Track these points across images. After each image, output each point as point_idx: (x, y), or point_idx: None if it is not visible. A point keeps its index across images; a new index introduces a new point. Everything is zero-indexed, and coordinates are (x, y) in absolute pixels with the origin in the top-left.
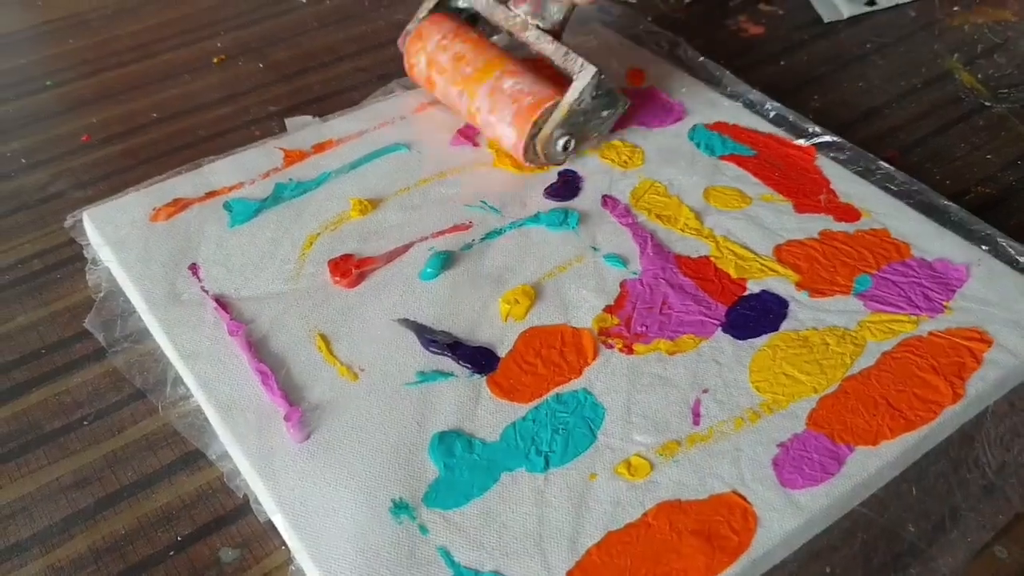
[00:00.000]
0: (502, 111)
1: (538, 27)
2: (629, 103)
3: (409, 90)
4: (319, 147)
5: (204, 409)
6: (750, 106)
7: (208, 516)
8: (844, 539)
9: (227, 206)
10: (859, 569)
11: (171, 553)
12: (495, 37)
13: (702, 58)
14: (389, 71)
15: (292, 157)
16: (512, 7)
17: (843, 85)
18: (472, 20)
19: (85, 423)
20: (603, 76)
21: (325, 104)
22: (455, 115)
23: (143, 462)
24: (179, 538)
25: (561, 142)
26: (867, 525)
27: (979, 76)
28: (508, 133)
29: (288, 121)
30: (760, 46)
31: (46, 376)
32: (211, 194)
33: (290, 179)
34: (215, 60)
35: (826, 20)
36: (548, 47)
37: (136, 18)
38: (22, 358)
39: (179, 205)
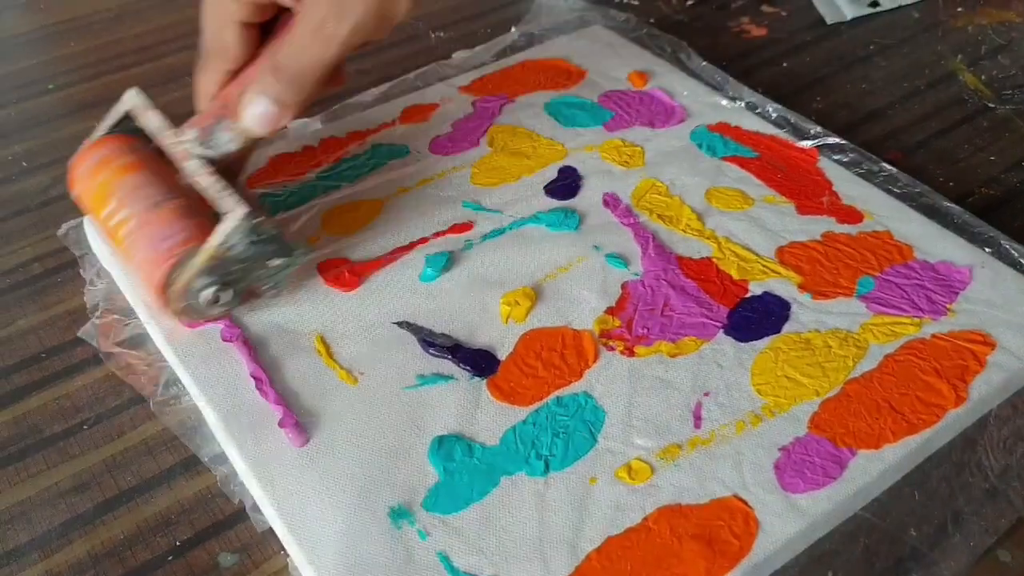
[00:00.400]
0: (138, 252)
1: (201, 157)
2: (308, 254)
3: (409, 93)
4: (319, 149)
5: (203, 413)
6: (752, 108)
7: (207, 521)
8: (846, 544)
9: None
10: (861, 574)
11: (170, 558)
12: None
13: (704, 63)
14: (391, 74)
15: (288, 162)
16: (180, 132)
17: (846, 87)
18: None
19: (85, 427)
20: (259, 220)
21: (326, 107)
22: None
23: (142, 467)
24: (178, 543)
25: (206, 293)
26: (869, 529)
27: (983, 77)
28: (141, 280)
29: (290, 127)
30: (763, 48)
31: (46, 380)
32: None
33: (285, 184)
34: None
35: (829, 22)
36: (204, 180)
37: (139, 21)
38: (22, 362)
39: None
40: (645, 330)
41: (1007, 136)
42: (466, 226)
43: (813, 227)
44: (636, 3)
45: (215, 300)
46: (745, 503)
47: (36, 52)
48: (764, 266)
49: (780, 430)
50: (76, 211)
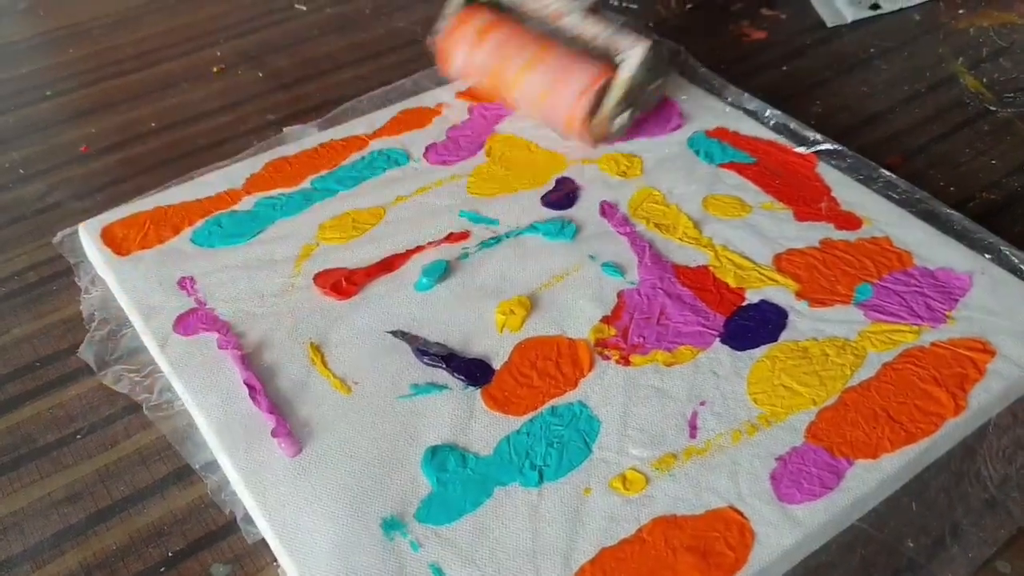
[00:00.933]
0: (557, 93)
1: (578, 9)
2: (672, 72)
3: (406, 99)
4: (316, 154)
5: (196, 422)
6: (751, 114)
7: (200, 531)
8: (843, 555)
9: (218, 221)
10: None
11: (162, 569)
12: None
13: (703, 68)
14: (389, 79)
15: (285, 167)
16: None
17: (846, 90)
18: (501, 9)
19: (78, 437)
20: (654, 49)
21: (324, 112)
22: (502, 103)
23: (135, 476)
24: (170, 554)
25: (622, 117)
26: (866, 540)
27: (984, 80)
28: (564, 112)
29: (286, 130)
30: (763, 51)
31: (40, 389)
32: (203, 207)
33: (281, 193)
34: (215, 69)
35: (829, 24)
36: (591, 29)
37: (137, 27)
38: (16, 371)
39: (171, 219)
40: (641, 339)
41: (1008, 140)
42: (462, 235)
43: (811, 233)
44: (635, 6)
45: (623, 124)
46: (740, 514)
47: (35, 58)
48: (761, 274)
49: (777, 439)
50: (72, 219)
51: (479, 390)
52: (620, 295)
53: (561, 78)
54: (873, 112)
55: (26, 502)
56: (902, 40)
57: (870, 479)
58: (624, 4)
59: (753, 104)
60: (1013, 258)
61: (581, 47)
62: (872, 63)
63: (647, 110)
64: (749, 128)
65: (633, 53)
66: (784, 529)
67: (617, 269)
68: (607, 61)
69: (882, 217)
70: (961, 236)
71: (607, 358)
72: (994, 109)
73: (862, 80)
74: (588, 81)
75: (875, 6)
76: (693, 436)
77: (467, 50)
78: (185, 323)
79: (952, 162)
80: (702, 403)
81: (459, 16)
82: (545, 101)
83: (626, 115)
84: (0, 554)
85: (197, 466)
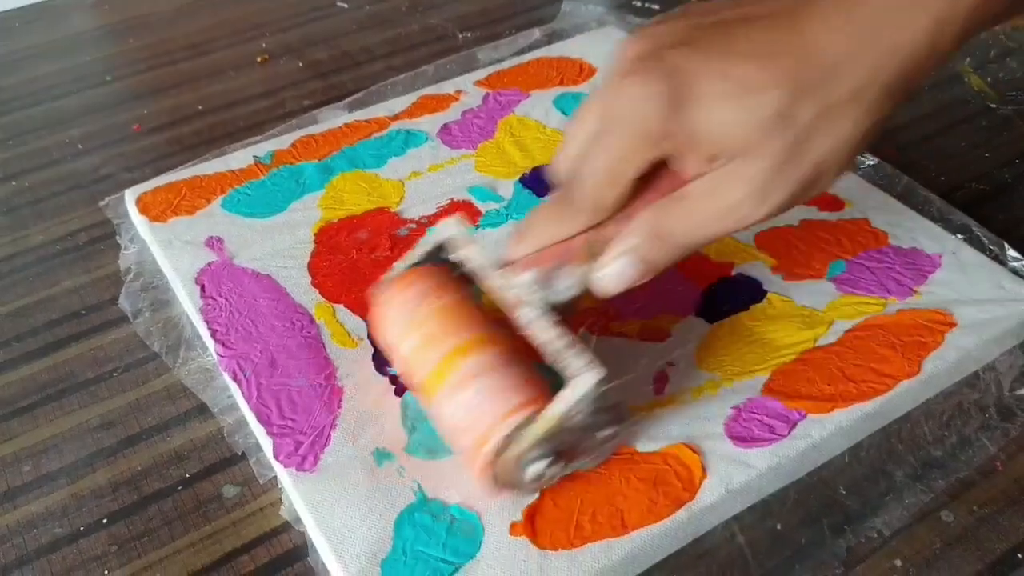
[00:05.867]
0: (463, 417)
1: (541, 303)
2: (636, 423)
3: (428, 86)
4: (338, 134)
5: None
6: None
7: (215, 458)
8: (791, 503)
9: (247, 189)
10: (805, 529)
11: (179, 488)
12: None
13: None
14: (420, 69)
15: (312, 144)
16: (508, 274)
17: None
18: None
19: (115, 374)
20: (608, 386)
21: (357, 99)
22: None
23: (162, 409)
24: (187, 475)
25: (536, 467)
26: (810, 488)
27: (988, 79)
28: (470, 436)
29: (318, 112)
30: None
31: (84, 333)
32: (236, 177)
33: (306, 164)
34: (259, 59)
35: None
36: (546, 332)
37: (191, 20)
38: (64, 317)
39: (205, 188)
40: (618, 309)
41: (1005, 135)
42: (469, 212)
43: (793, 213)
44: (656, 7)
45: (538, 476)
46: (694, 450)
47: (98, 47)
48: (741, 249)
49: (736, 393)
50: (121, 189)
51: None
52: None
53: (486, 387)
54: None
55: (66, 427)
56: None
57: (822, 430)
58: (646, 5)
59: None
60: (984, 239)
61: (527, 351)
62: None
63: (589, 466)
64: None
65: (577, 382)
66: (734, 469)
67: None
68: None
69: (863, 200)
70: (938, 219)
71: (585, 327)
72: (995, 107)
73: None
74: (512, 405)
75: None
76: (658, 392)
77: (399, 315)
78: (210, 275)
79: (945, 154)
80: (670, 364)
81: (410, 272)
82: (455, 412)
83: (545, 465)
84: (42, 468)
85: (216, 409)
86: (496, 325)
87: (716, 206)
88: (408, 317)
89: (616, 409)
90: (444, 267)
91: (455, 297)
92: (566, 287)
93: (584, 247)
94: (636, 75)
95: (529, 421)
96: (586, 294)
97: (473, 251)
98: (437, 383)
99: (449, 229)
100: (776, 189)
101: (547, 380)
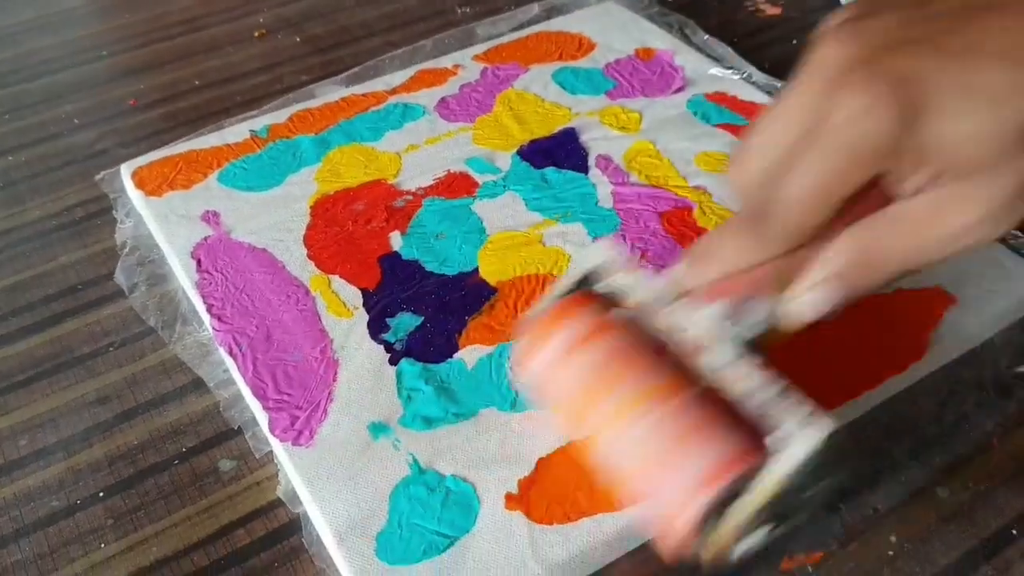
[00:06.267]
0: (663, 467)
1: (734, 340)
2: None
3: (426, 61)
4: (335, 108)
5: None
6: (748, 80)
7: (211, 432)
8: None
9: (243, 163)
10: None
11: (176, 462)
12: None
13: (707, 37)
14: (418, 44)
15: (308, 118)
16: (688, 306)
17: None
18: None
19: (111, 349)
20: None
21: (354, 74)
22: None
23: (159, 384)
24: (184, 449)
25: (755, 538)
26: None
27: None
28: (665, 501)
29: (316, 87)
30: (775, 26)
31: (80, 308)
32: (232, 151)
33: (302, 137)
34: (256, 34)
35: (844, 2)
36: (751, 377)
37: None
38: (60, 292)
39: (201, 162)
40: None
41: None
42: (467, 183)
43: None
44: None
45: (755, 543)
46: None
47: (93, 22)
48: None
49: None
50: (117, 163)
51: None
52: (606, 240)
53: (675, 447)
54: None
55: (63, 402)
56: None
57: None
58: None
59: (757, 76)
60: None
61: (721, 401)
62: None
63: (791, 526)
64: (748, 93)
65: (798, 442)
66: None
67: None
68: (753, 436)
69: None
70: None
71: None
72: None
73: None
74: (714, 468)
75: None
76: None
77: (555, 355)
78: (206, 249)
79: None
80: None
81: (561, 306)
82: (646, 470)
83: (763, 532)
84: (39, 443)
85: (212, 383)
86: (674, 366)
87: (944, 229)
88: (575, 361)
89: (827, 462)
90: (599, 298)
91: (622, 335)
92: (756, 322)
93: (773, 275)
94: (855, 85)
95: (740, 485)
96: (770, 330)
97: (633, 280)
98: (613, 431)
99: (601, 255)
100: (1017, 210)
101: (750, 432)
